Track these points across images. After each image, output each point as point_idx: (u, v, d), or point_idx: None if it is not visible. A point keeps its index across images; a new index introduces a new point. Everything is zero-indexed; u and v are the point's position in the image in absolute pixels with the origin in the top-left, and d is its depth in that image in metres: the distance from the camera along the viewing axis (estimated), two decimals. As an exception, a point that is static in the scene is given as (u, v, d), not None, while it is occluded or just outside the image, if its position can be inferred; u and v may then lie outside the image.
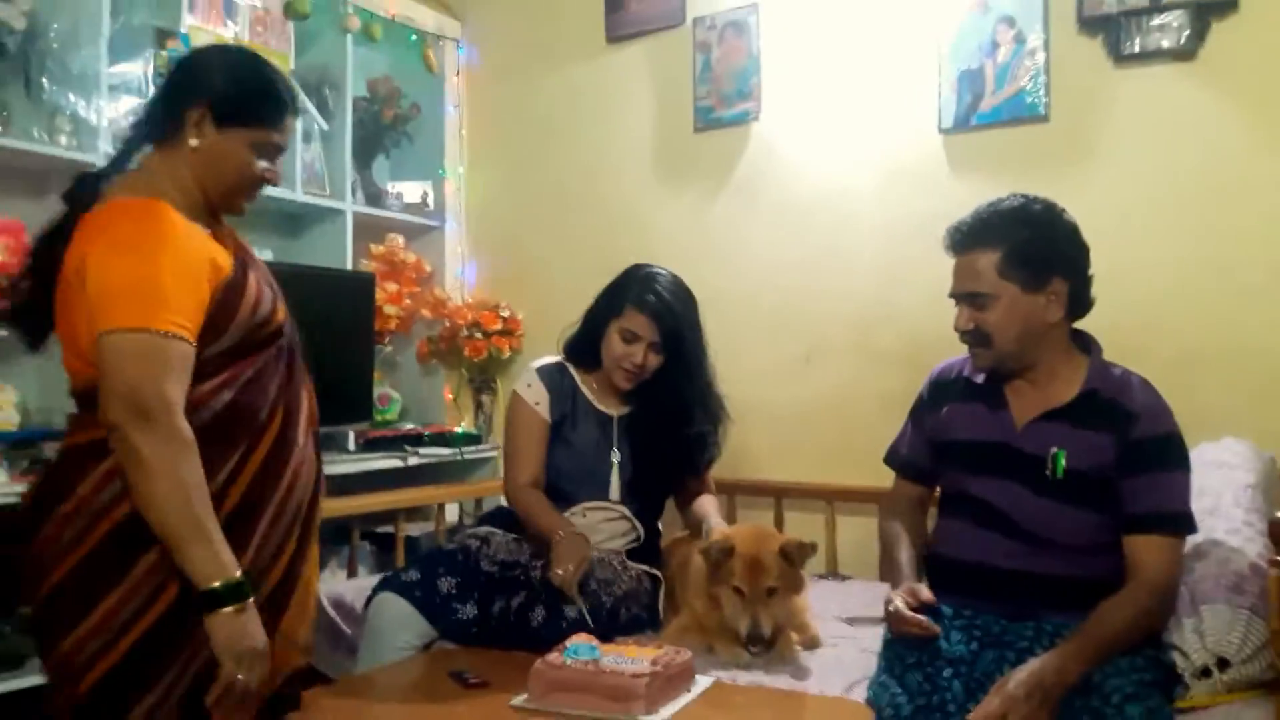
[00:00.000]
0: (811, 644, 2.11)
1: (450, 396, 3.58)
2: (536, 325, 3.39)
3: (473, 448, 3.30)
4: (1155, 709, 1.55)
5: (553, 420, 2.39)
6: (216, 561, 1.49)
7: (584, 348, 2.43)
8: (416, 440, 3.18)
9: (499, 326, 3.40)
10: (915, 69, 2.86)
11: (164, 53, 2.78)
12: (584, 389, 2.43)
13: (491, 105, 3.65)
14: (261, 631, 1.54)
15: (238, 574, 1.50)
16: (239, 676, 1.50)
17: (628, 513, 2.35)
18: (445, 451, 3.21)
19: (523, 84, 3.57)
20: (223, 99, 1.65)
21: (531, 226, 3.54)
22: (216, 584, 1.48)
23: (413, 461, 3.11)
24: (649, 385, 2.36)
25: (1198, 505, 1.85)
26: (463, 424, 3.49)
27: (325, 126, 3.27)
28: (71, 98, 2.60)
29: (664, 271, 2.40)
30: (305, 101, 3.17)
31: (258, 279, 1.69)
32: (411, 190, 3.55)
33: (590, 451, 2.38)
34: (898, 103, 2.89)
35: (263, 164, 1.70)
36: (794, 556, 2.03)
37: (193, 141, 1.64)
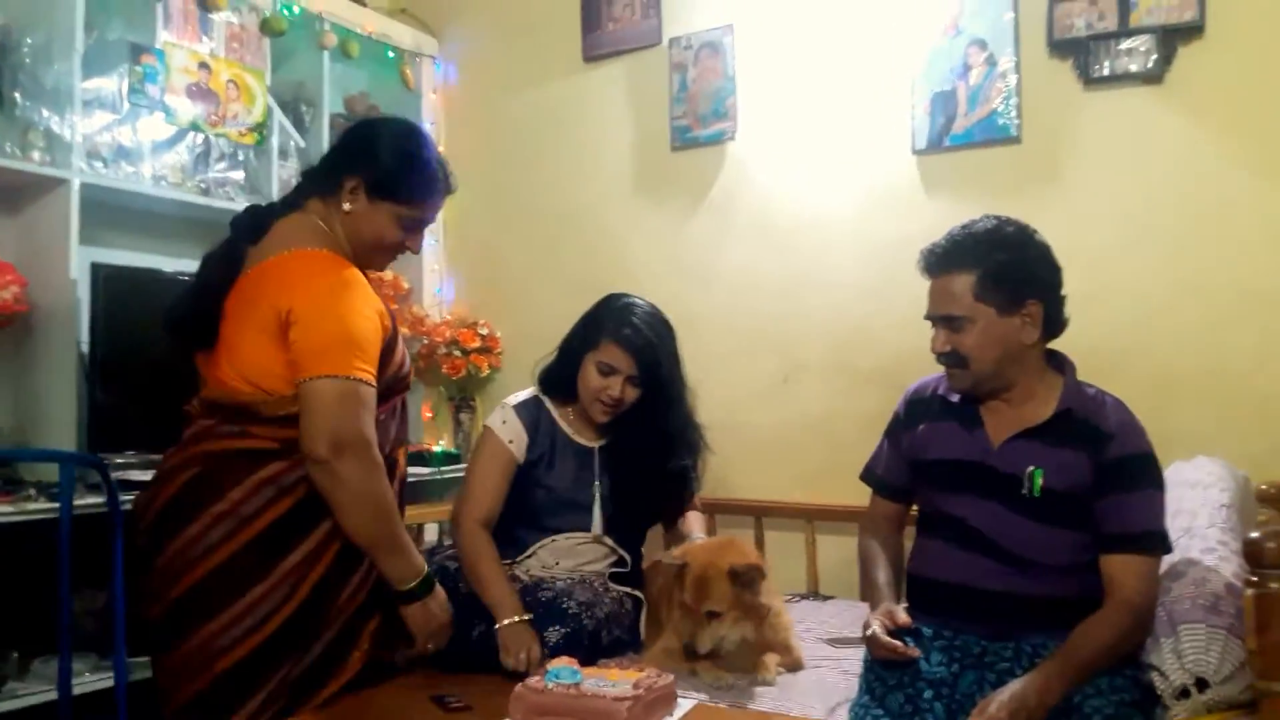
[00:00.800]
0: (795, 666, 2.12)
1: (429, 415, 3.57)
2: (515, 343, 3.38)
3: (452, 466, 3.28)
4: (1135, 729, 1.56)
5: (530, 459, 2.32)
6: (410, 565, 1.85)
7: (560, 380, 2.37)
8: (393, 459, 3.15)
9: (478, 344, 3.39)
10: (889, 90, 2.89)
11: (138, 68, 2.76)
12: (561, 423, 2.37)
13: (469, 123, 3.65)
14: (445, 609, 1.92)
15: (426, 570, 1.87)
16: (429, 647, 1.94)
17: (610, 542, 2.32)
18: (424, 470, 3.18)
19: (500, 102, 3.58)
20: (378, 174, 1.86)
21: (509, 244, 3.54)
22: (412, 583, 1.85)
23: (390, 481, 3.09)
24: (627, 417, 2.32)
25: (1174, 525, 1.87)
26: (441, 442, 3.47)
27: (302, 143, 3.25)
28: (45, 113, 2.58)
29: (641, 302, 2.36)
30: (284, 121, 3.16)
31: (402, 341, 1.96)
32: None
33: (570, 485, 2.32)
34: (872, 124, 2.92)
35: (402, 235, 1.91)
36: (742, 578, 2.01)
37: (346, 206, 1.87)
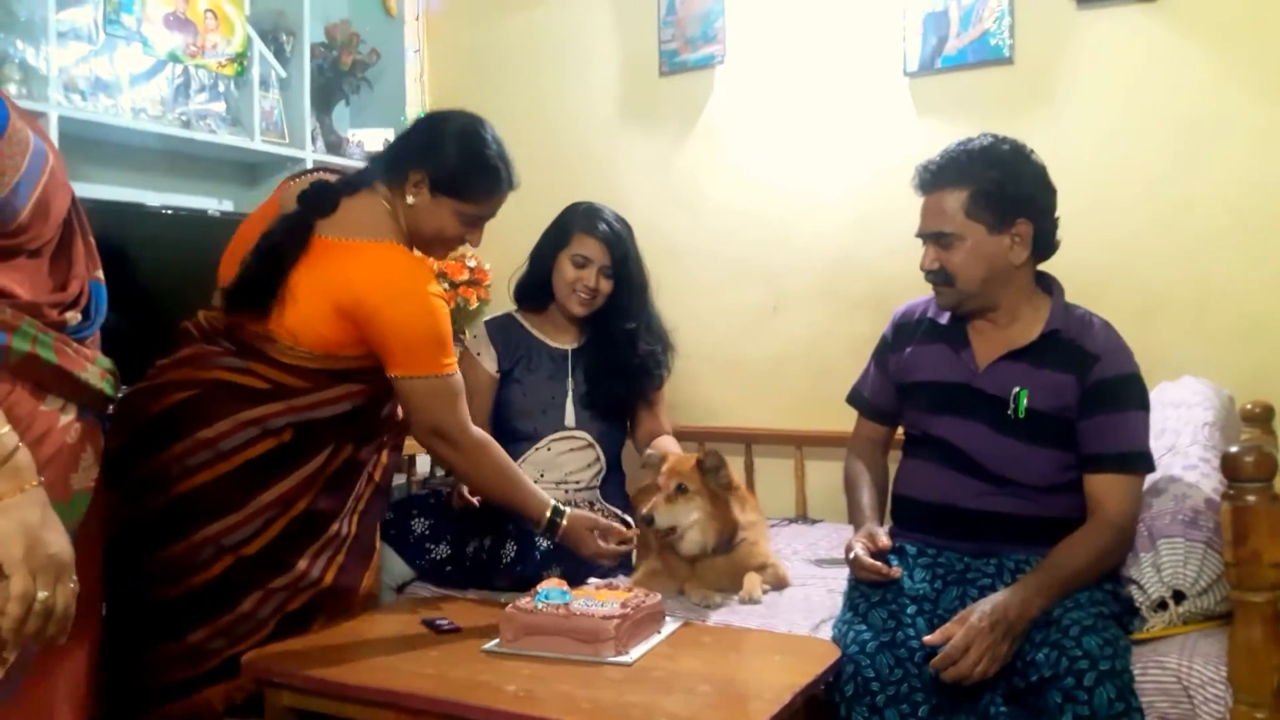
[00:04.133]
0: (779, 583, 2.15)
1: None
2: (503, 275, 3.34)
3: (441, 399, 3.28)
4: (1112, 640, 1.59)
5: (502, 370, 2.45)
6: (538, 506, 2.00)
7: (532, 286, 2.50)
8: (384, 392, 3.16)
9: (465, 277, 3.37)
10: (880, 11, 2.83)
11: (114, -1, 2.71)
12: (535, 331, 2.50)
13: (453, 50, 3.58)
14: (591, 527, 2.05)
15: (552, 502, 2.01)
16: (604, 564, 2.12)
17: (589, 437, 2.41)
18: (414, 403, 3.19)
19: (484, 28, 3.51)
20: (442, 171, 1.91)
21: (496, 175, 3.50)
22: (547, 513, 2.00)
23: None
24: (602, 314, 2.43)
25: (1158, 444, 1.89)
26: (431, 375, 3.47)
27: (283, 74, 3.20)
28: (19, 45, 2.53)
29: (604, 206, 2.50)
30: (265, 51, 3.10)
31: None
32: (372, 138, 3.48)
33: (544, 386, 2.44)
34: (863, 46, 2.87)
35: (463, 230, 1.97)
36: (706, 463, 2.11)
37: (410, 199, 1.92)
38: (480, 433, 1.97)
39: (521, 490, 1.99)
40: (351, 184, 1.96)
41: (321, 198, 1.91)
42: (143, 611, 1.82)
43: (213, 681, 1.82)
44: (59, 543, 1.30)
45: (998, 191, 1.83)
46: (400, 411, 2.01)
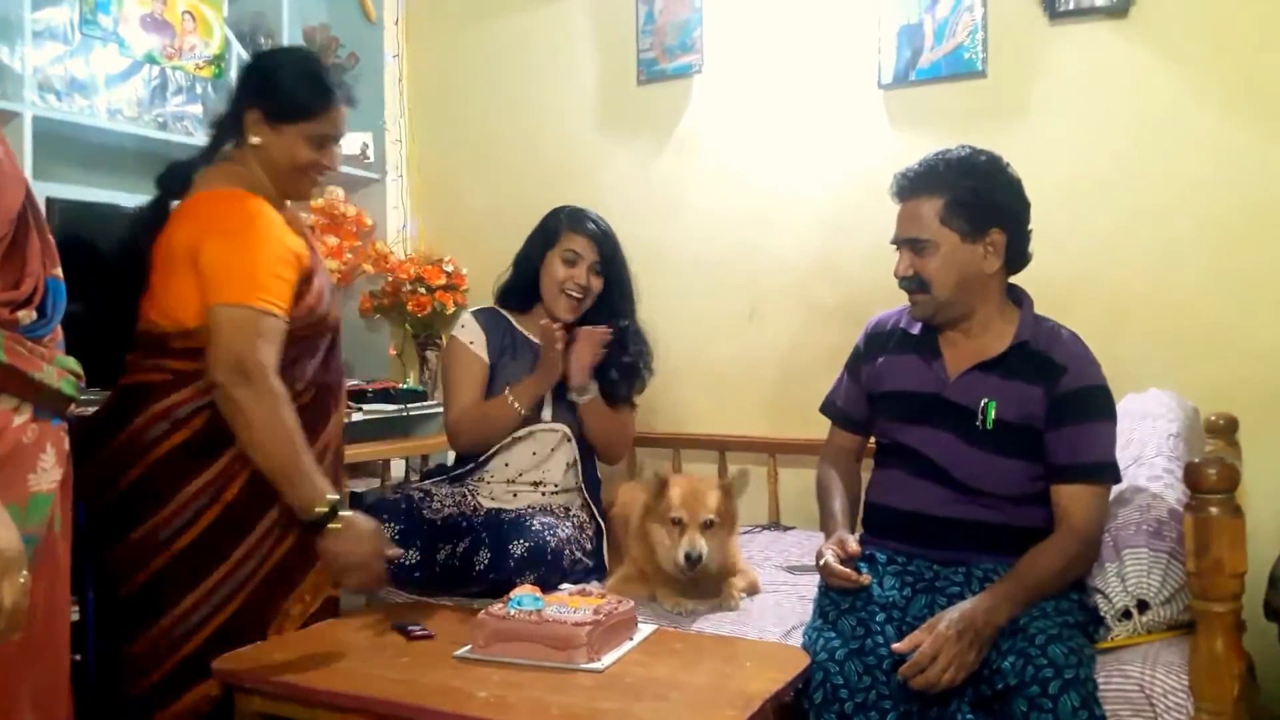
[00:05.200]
0: (751, 589, 2.16)
1: (394, 352, 3.56)
2: (480, 279, 3.36)
3: (417, 404, 3.28)
4: (1077, 649, 1.61)
5: (490, 360, 2.45)
6: (315, 491, 1.77)
7: (518, 290, 2.51)
8: (360, 397, 3.14)
9: (443, 281, 3.37)
10: (855, 24, 2.86)
11: (90, -2, 2.69)
12: (519, 327, 2.50)
13: (432, 55, 3.58)
14: (368, 542, 1.82)
15: (333, 497, 1.78)
16: (354, 582, 1.86)
17: (565, 429, 2.40)
18: (389, 408, 3.18)
19: (464, 34, 3.51)
20: (271, 100, 1.92)
21: (474, 179, 3.51)
22: (319, 509, 1.77)
23: (356, 418, 3.08)
24: (591, 315, 2.43)
25: (1124, 455, 1.92)
26: (407, 380, 3.47)
27: (261, 76, 3.19)
28: (-7, 44, 2.51)
29: (588, 208, 2.51)
30: (243, 53, 3.09)
31: (321, 280, 1.97)
32: (350, 142, 3.48)
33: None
34: (838, 58, 2.90)
35: (315, 153, 1.95)
36: (732, 490, 2.12)
37: (254, 140, 1.92)
38: (284, 389, 1.81)
39: (304, 466, 1.79)
40: (203, 155, 1.98)
41: (172, 178, 1.95)
42: (108, 614, 1.83)
43: (190, 682, 1.81)
44: (4, 537, 1.27)
45: (973, 200, 1.86)
46: (312, 370, 1.97)
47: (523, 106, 3.41)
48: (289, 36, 3.23)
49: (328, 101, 1.96)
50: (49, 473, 1.48)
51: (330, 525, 1.77)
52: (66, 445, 1.54)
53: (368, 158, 3.50)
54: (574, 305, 2.41)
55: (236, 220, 1.84)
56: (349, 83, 2.02)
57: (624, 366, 2.46)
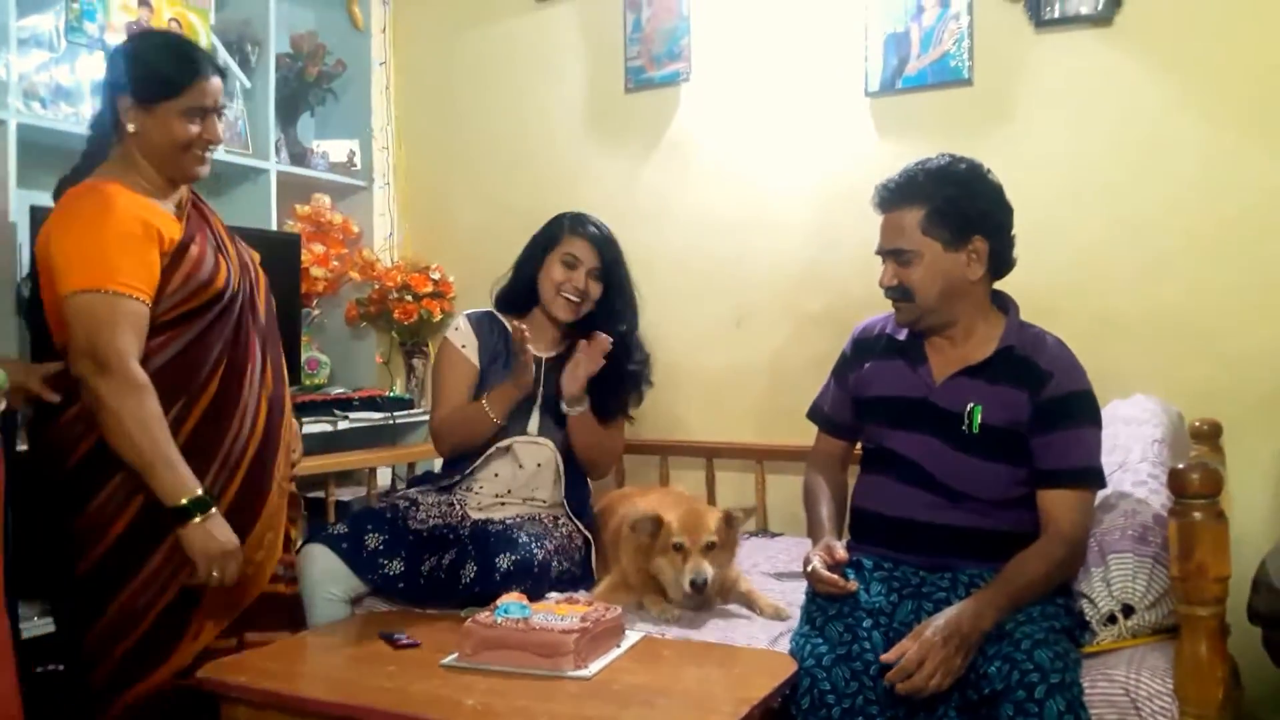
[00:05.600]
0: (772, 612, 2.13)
1: (380, 360, 3.55)
2: (468, 287, 3.36)
3: (404, 412, 3.28)
4: (1063, 654, 1.61)
5: (481, 364, 2.43)
6: (179, 482, 1.76)
7: (516, 294, 2.49)
8: (346, 405, 3.14)
9: (430, 289, 3.37)
10: (842, 32, 2.87)
11: (75, 5, 2.68)
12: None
13: (419, 63, 3.59)
14: (230, 535, 1.81)
15: (199, 490, 1.78)
16: (214, 574, 1.80)
17: (551, 444, 2.38)
18: (376, 416, 3.18)
19: (451, 42, 3.52)
20: (137, 83, 1.88)
21: (461, 187, 3.50)
22: (183, 500, 1.76)
23: (342, 426, 3.08)
24: (591, 321, 2.39)
25: (1109, 460, 1.93)
26: (394, 388, 3.47)
27: (247, 84, 3.18)
28: (-22, 52, 2.50)
29: (591, 214, 2.49)
30: (227, 59, 3.08)
31: (202, 248, 1.91)
32: (337, 149, 3.48)
33: None
34: (825, 66, 2.91)
35: (193, 128, 1.90)
36: (732, 519, 2.09)
37: (130, 127, 1.88)
38: (145, 376, 1.77)
39: (167, 457, 1.76)
40: (86, 161, 1.94)
41: (61, 189, 1.93)
42: (67, 593, 1.86)
43: (154, 664, 1.83)
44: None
45: (954, 209, 1.87)
46: (220, 349, 1.92)
47: (510, 114, 3.41)
48: (276, 44, 3.23)
49: (195, 73, 1.91)
50: None
51: (193, 520, 1.77)
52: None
53: (355, 165, 3.50)
54: (571, 308, 2.39)
55: (80, 207, 1.81)
56: (215, 51, 1.99)
57: (626, 376, 2.42)
